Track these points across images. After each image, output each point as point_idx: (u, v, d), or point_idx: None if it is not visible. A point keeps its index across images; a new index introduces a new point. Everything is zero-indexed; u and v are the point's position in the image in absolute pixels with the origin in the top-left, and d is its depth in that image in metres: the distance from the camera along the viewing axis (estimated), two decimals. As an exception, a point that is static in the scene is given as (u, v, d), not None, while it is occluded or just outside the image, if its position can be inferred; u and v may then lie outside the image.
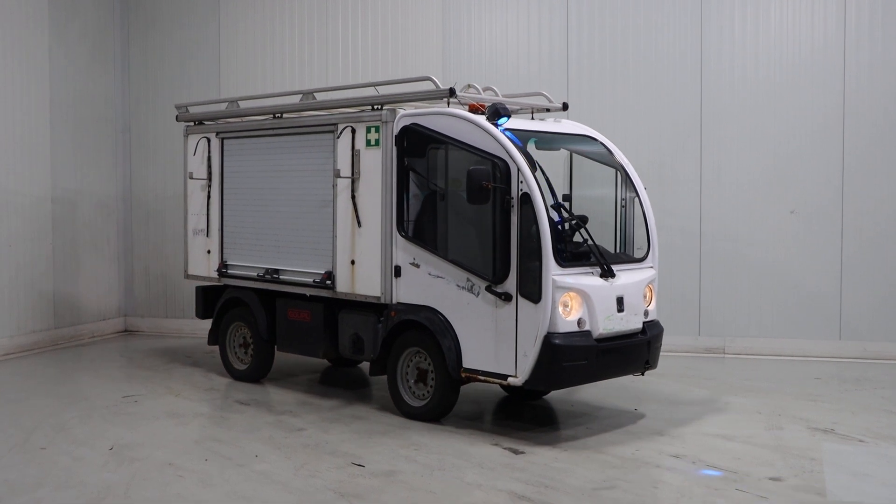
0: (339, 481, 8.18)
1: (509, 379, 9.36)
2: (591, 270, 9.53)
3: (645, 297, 10.03)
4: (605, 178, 10.87)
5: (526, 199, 9.12)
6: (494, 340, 9.45)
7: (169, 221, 16.68)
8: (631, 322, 9.79)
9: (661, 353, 10.37)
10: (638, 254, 10.47)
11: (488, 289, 9.43)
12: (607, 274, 9.60)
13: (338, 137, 10.84)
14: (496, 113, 9.62)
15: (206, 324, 15.67)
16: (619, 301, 9.63)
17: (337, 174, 10.76)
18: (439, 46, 15.40)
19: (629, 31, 14.83)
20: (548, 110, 11.44)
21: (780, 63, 14.42)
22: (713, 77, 14.59)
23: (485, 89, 10.87)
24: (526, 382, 9.27)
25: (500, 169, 9.28)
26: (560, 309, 9.11)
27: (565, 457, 8.92)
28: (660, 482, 8.17)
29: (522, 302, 9.22)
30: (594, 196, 10.94)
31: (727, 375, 13.14)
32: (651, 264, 10.42)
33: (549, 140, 10.60)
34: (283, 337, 11.87)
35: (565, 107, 11.40)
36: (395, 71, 15.08)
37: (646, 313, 10.04)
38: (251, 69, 16.37)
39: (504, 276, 9.32)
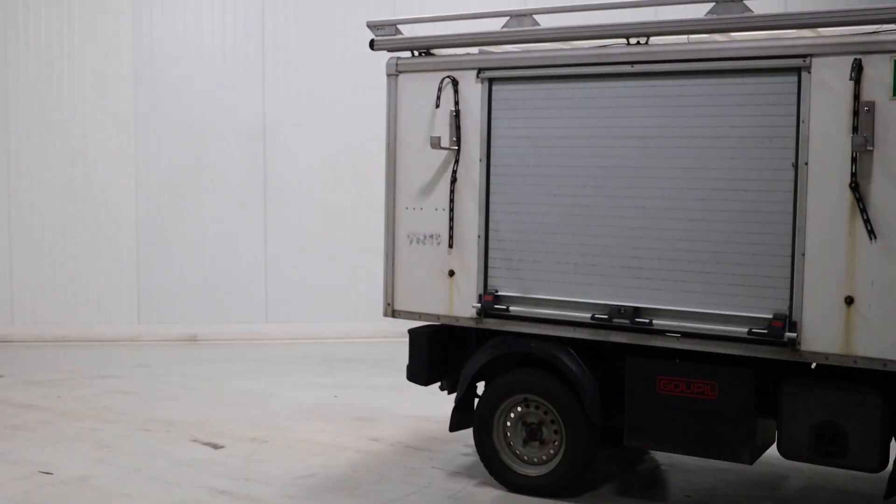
0: (25, 492, 7.63)
1: None
2: None
3: None
4: None
5: None
6: None
7: None
8: None
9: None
10: None
11: None
12: None
13: (811, 79, 6.21)
14: None
15: None
16: None
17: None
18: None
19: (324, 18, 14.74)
20: None
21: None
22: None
23: None
24: None
25: None
26: None
27: (266, 448, 8.77)
28: (360, 467, 8.21)
29: None
30: None
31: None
32: None
33: None
34: (641, 422, 7.00)
35: None
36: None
37: None
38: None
39: None
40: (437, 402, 9.78)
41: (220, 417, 9.87)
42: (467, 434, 8.01)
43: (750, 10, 6.47)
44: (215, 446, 8.82)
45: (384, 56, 7.86)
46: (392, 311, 7.89)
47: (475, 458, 8.02)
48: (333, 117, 14.87)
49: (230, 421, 9.72)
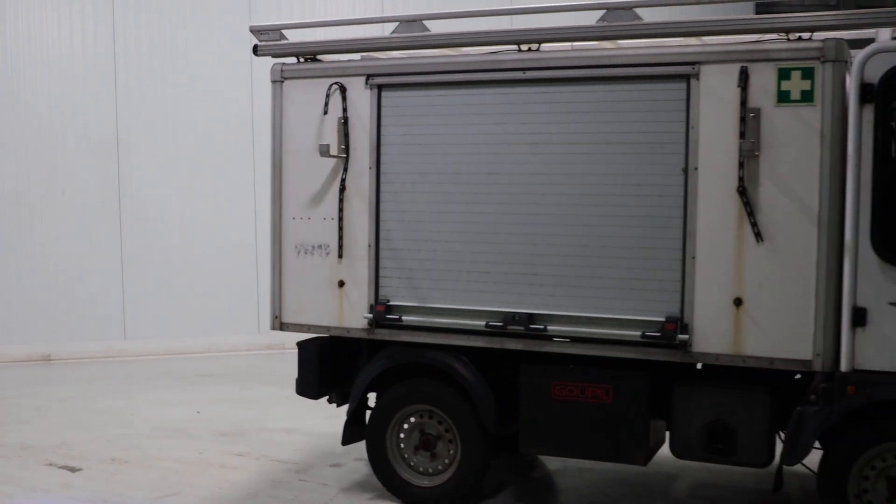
0: None
1: None
2: None
3: None
4: None
5: None
6: None
7: None
8: None
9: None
10: None
11: None
12: None
13: (699, 86, 6.36)
14: None
15: None
16: None
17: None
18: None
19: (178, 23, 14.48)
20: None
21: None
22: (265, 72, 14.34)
23: None
24: None
25: None
26: None
27: (127, 468, 8.57)
28: (225, 482, 8.07)
29: None
30: None
31: (289, 370, 13.21)
32: None
33: None
34: (537, 429, 6.99)
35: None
36: None
37: None
38: None
39: None
40: (302, 415, 9.97)
41: (77, 439, 9.52)
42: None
43: (640, 17, 6.58)
44: (72, 469, 8.55)
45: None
46: (280, 325, 7.67)
47: (342, 469, 8.26)
48: (191, 127, 14.47)
49: (88, 442, 9.40)
